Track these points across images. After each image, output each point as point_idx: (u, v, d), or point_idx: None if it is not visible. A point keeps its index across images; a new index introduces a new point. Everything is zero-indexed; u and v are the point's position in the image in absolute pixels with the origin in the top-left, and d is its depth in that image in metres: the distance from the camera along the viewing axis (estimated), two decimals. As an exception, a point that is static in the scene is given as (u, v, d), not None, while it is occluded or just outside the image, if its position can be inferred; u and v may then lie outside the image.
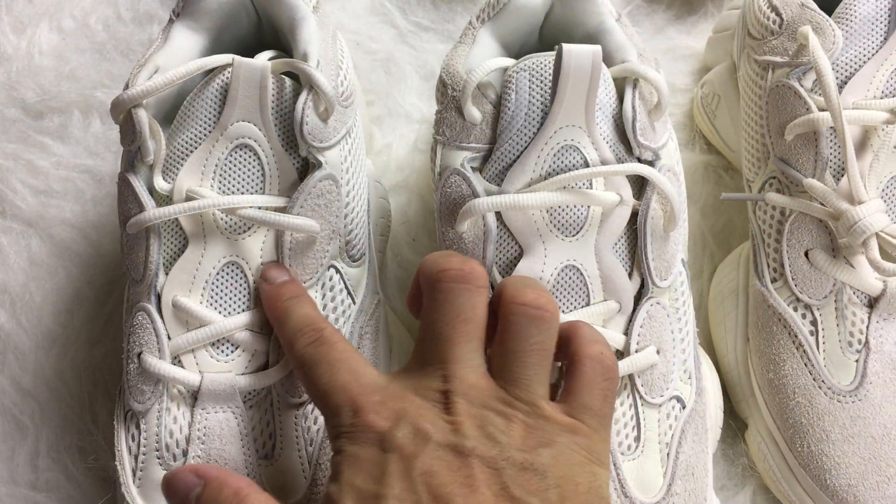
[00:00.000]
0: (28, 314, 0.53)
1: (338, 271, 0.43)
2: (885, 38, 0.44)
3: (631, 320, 0.41)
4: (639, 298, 0.41)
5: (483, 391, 0.34)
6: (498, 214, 0.40)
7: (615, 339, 0.41)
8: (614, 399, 0.36)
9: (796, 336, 0.44)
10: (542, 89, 0.39)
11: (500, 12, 0.43)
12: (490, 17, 0.43)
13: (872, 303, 0.43)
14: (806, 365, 0.44)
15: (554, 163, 0.39)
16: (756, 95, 0.47)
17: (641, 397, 0.41)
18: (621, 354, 0.41)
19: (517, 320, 0.35)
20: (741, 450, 0.48)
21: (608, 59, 0.42)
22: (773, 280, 0.46)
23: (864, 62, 0.44)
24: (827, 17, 0.44)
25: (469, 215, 0.39)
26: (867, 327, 0.43)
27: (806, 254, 0.44)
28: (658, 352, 0.41)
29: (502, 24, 0.44)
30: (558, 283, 0.40)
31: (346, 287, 0.44)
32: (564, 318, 0.40)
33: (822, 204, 0.43)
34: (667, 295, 0.42)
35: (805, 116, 0.43)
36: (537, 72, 0.39)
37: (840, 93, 0.43)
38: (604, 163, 0.39)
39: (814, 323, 0.44)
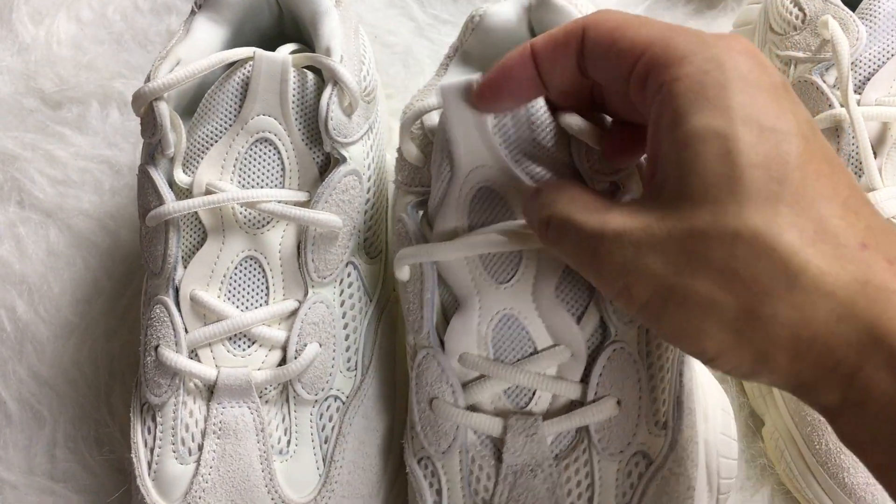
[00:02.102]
0: (46, 304, 0.53)
1: (356, 268, 0.43)
2: (910, 35, 0.43)
3: (589, 367, 0.37)
4: (603, 342, 0.37)
5: None
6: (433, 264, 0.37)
7: (569, 389, 0.37)
8: None
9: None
10: (446, 129, 0.35)
11: (470, 38, 0.41)
12: (463, 43, 0.41)
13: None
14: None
15: (474, 206, 0.35)
16: (778, 91, 0.47)
17: (598, 452, 0.37)
18: (580, 405, 0.37)
19: None
20: (759, 449, 0.48)
21: None
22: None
23: (888, 59, 0.43)
24: (851, 12, 0.44)
25: (399, 263, 0.37)
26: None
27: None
28: (619, 403, 0.37)
29: (475, 51, 0.41)
30: (497, 333, 0.37)
31: (364, 284, 0.44)
32: (510, 369, 0.36)
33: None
34: (633, 337, 0.37)
35: (827, 112, 0.43)
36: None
37: (863, 89, 0.43)
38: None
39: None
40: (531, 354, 0.37)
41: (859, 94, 0.43)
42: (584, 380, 0.37)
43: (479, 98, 0.32)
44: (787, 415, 0.45)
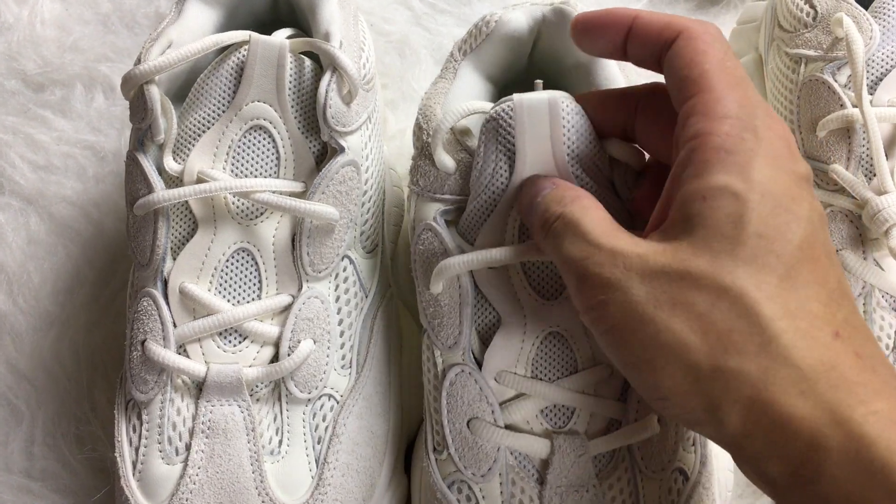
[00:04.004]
0: (25, 295, 0.52)
1: (351, 262, 0.42)
2: (923, 35, 0.43)
3: (628, 385, 0.38)
4: None
5: None
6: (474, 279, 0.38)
7: (610, 407, 0.37)
8: None
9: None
10: (508, 141, 0.36)
11: (483, 43, 0.40)
12: (472, 48, 0.41)
13: (900, 307, 0.42)
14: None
15: None
16: (786, 90, 0.46)
17: (641, 471, 0.37)
18: (618, 424, 0.37)
19: None
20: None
21: None
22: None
23: (901, 59, 0.43)
24: (864, 10, 0.43)
25: (441, 275, 0.37)
26: (895, 332, 0.42)
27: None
28: (658, 420, 0.37)
29: (486, 56, 0.41)
30: (541, 351, 0.37)
31: (359, 278, 0.43)
32: (553, 388, 0.37)
33: (848, 194, 0.42)
34: None
35: (838, 112, 0.43)
36: (504, 121, 0.35)
37: (875, 89, 0.43)
38: None
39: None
40: (571, 374, 0.37)
41: (871, 94, 0.43)
42: (621, 398, 0.37)
43: (576, 25, 0.35)
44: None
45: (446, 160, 0.38)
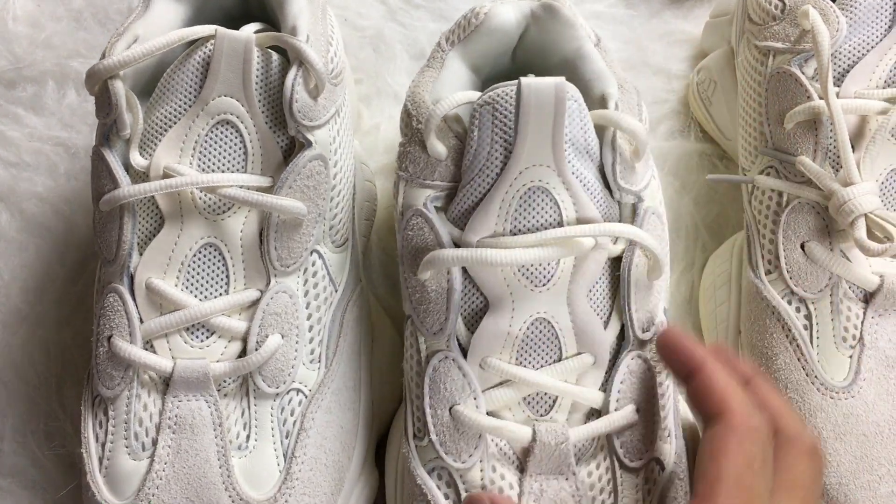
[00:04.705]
0: (-5, 292, 0.51)
1: (321, 256, 0.42)
2: (890, 28, 0.43)
3: (609, 376, 0.38)
4: (618, 351, 0.39)
5: None
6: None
7: (592, 397, 0.38)
8: None
9: (790, 330, 0.43)
10: (505, 126, 0.36)
11: (471, 34, 0.41)
12: (460, 39, 0.41)
13: (868, 298, 0.43)
14: (799, 360, 0.43)
15: (521, 207, 0.36)
16: (755, 82, 0.46)
17: (619, 460, 0.38)
18: (598, 413, 0.38)
19: None
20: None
21: (586, 88, 0.40)
22: (768, 272, 0.45)
23: (868, 51, 0.43)
24: (831, 3, 0.43)
25: (431, 266, 0.37)
26: (862, 323, 0.43)
27: (802, 246, 0.43)
28: (638, 410, 0.38)
29: (473, 47, 0.41)
30: (527, 337, 0.38)
31: (329, 273, 0.43)
32: (537, 375, 0.38)
33: (815, 186, 0.42)
34: (648, 348, 0.39)
35: (805, 104, 0.43)
36: (501, 105, 0.36)
37: (843, 82, 0.43)
38: (577, 205, 0.37)
39: (808, 317, 0.43)
40: (555, 362, 0.38)
41: (838, 86, 0.43)
42: (603, 388, 0.38)
43: (663, 342, 0.38)
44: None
45: (438, 146, 0.38)
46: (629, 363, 0.38)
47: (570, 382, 0.38)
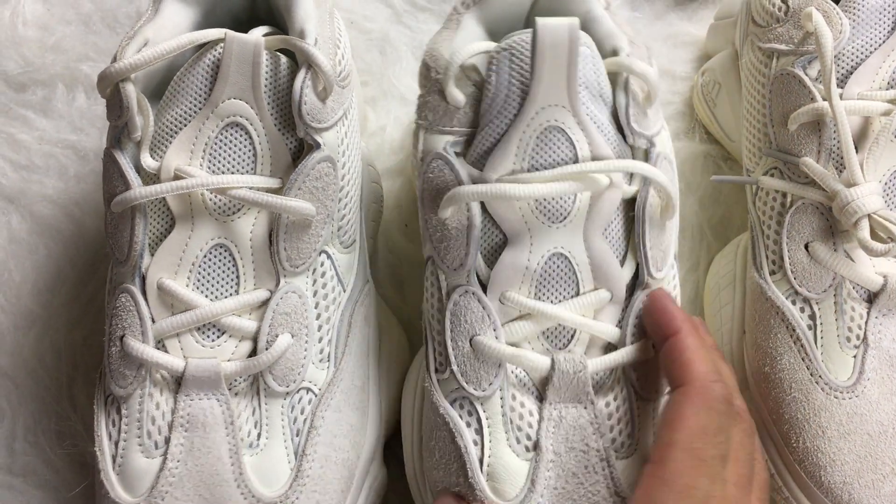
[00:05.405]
0: (7, 293, 0.52)
1: (329, 257, 0.43)
2: (893, 29, 0.43)
3: (625, 311, 0.40)
4: (633, 288, 0.40)
5: None
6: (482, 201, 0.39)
7: (608, 331, 0.40)
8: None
9: (794, 330, 0.43)
10: (522, 69, 0.37)
11: None
12: (476, 1, 0.42)
13: (872, 298, 0.43)
14: (803, 360, 0.43)
15: (538, 146, 0.37)
16: (759, 84, 0.47)
17: (636, 392, 0.40)
18: (614, 347, 0.40)
19: None
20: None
21: (598, 47, 0.40)
22: (772, 273, 0.45)
23: (871, 52, 0.43)
24: (834, 5, 0.43)
25: (452, 202, 0.38)
26: (866, 323, 0.43)
27: (806, 246, 0.44)
28: (653, 346, 0.40)
29: (488, 11, 0.42)
30: (545, 272, 0.39)
31: (337, 273, 0.43)
32: (555, 309, 0.39)
33: (819, 187, 0.43)
34: (660, 284, 0.41)
35: (809, 106, 0.43)
36: (518, 51, 0.37)
37: (846, 83, 0.43)
38: (591, 144, 0.38)
39: (812, 317, 0.44)
40: (572, 297, 0.39)
41: (842, 87, 0.43)
42: (619, 324, 0.40)
43: (649, 302, 0.40)
44: (765, 412, 0.45)
45: (457, 94, 0.39)
46: (643, 300, 0.40)
47: (588, 317, 0.39)
